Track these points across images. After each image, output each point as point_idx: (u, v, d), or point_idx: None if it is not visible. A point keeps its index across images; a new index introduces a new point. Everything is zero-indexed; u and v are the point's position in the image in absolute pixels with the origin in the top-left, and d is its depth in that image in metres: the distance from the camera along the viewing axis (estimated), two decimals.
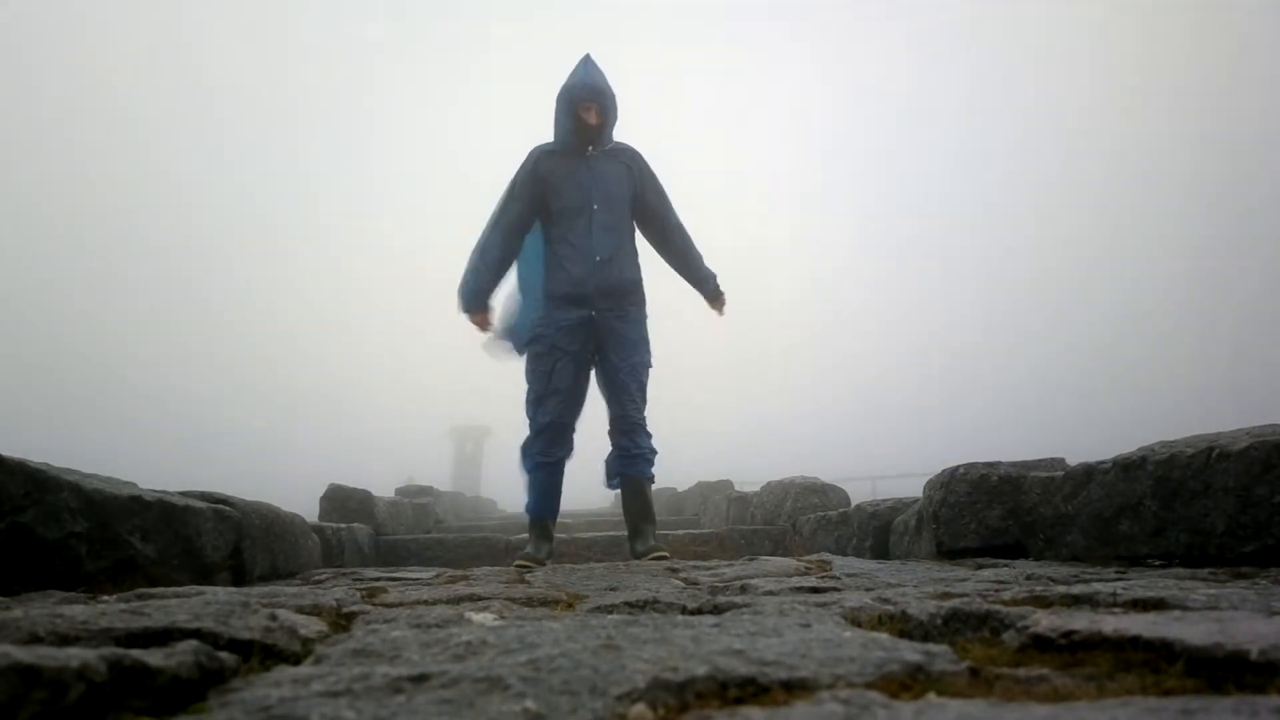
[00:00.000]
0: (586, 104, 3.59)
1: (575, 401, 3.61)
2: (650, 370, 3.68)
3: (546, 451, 3.57)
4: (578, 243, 3.56)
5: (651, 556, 3.45)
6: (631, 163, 3.74)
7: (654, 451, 3.65)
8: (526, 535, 3.73)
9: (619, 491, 3.81)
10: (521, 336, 3.71)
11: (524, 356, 3.68)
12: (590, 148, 3.65)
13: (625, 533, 3.95)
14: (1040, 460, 3.60)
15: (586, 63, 3.66)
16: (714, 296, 3.91)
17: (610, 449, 3.69)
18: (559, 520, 3.89)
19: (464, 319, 3.77)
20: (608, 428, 3.67)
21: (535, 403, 3.56)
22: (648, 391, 3.68)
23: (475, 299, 3.72)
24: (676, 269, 3.88)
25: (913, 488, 4.35)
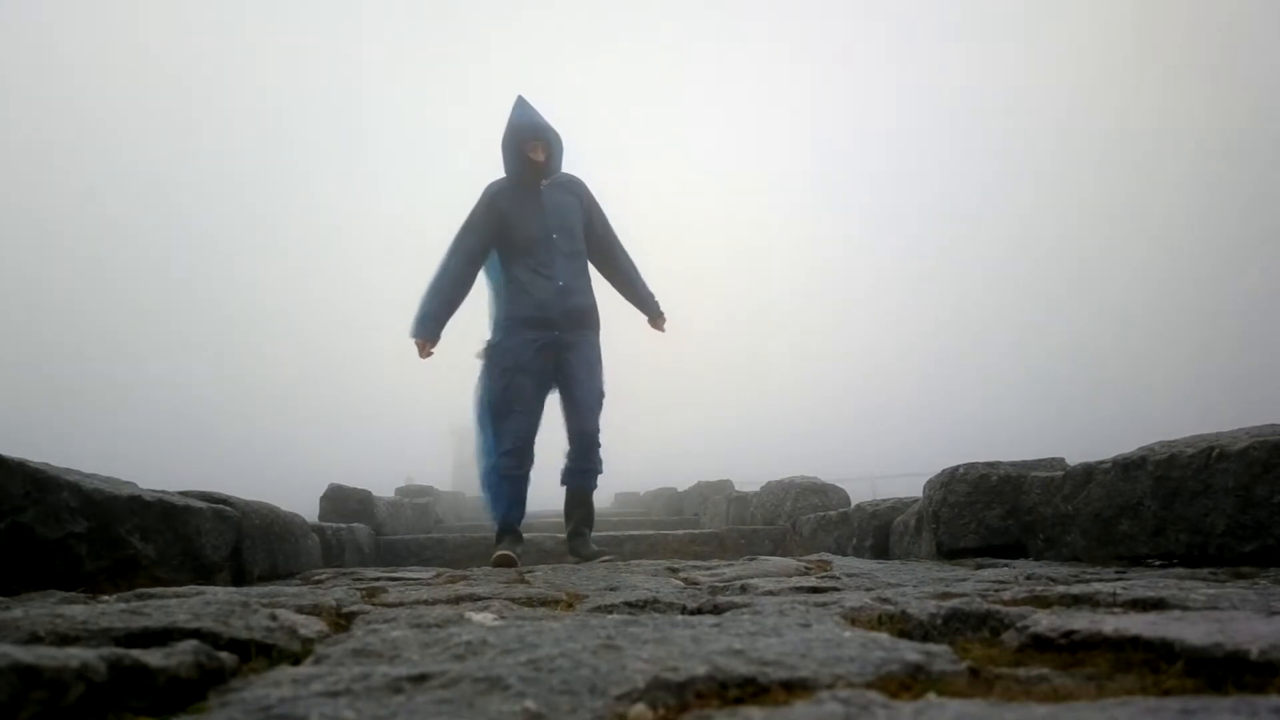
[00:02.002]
0: (533, 143, 3.81)
1: (537, 418, 3.83)
2: (604, 397, 3.91)
3: (516, 467, 3.77)
4: (541, 270, 3.77)
5: (601, 560, 3.58)
6: (580, 193, 3.98)
7: (602, 464, 3.92)
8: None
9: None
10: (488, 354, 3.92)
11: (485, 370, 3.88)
12: (542, 181, 3.88)
13: (625, 533, 4.03)
14: (1040, 460, 3.60)
15: (522, 104, 3.89)
16: (656, 314, 4.15)
17: (569, 454, 3.89)
18: (559, 520, 4.00)
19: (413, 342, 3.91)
20: (566, 436, 3.87)
21: (500, 418, 3.76)
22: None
23: (422, 324, 3.86)
24: (621, 290, 4.13)
25: (913, 488, 4.35)
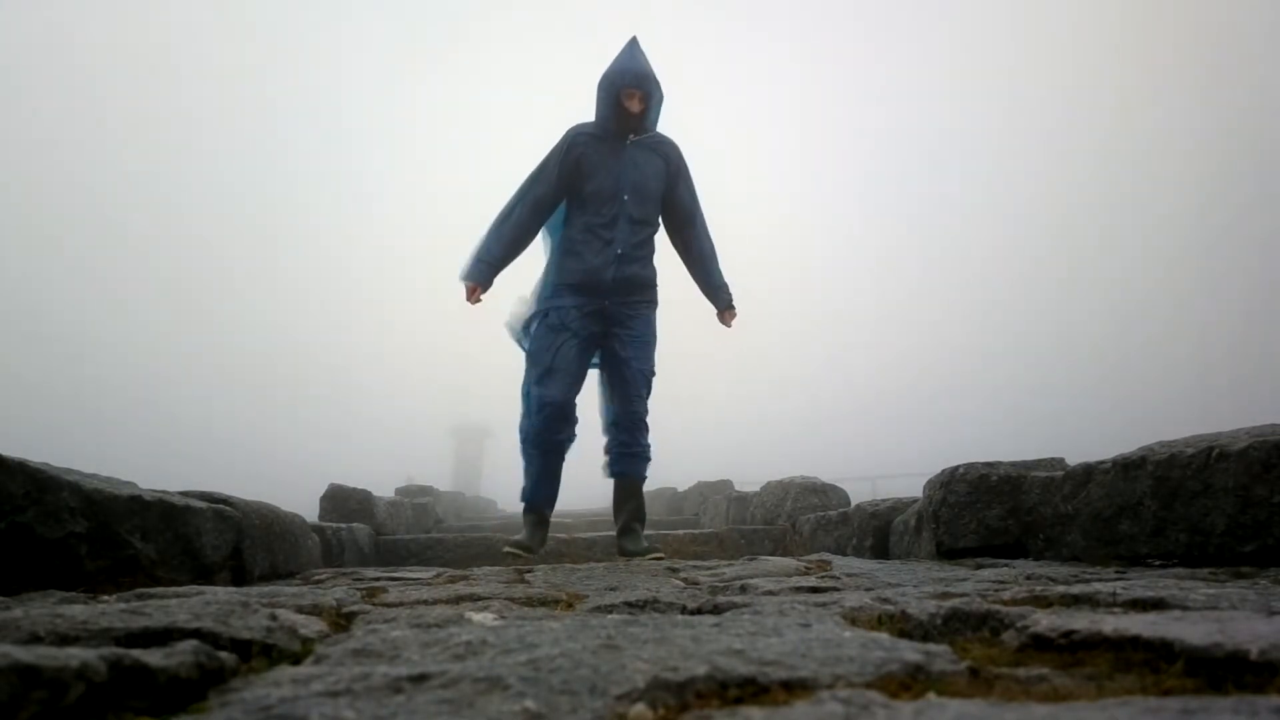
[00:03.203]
0: (630, 90, 3.44)
1: (577, 381, 3.48)
2: (654, 376, 3.59)
3: (548, 432, 3.41)
4: (602, 232, 3.44)
5: (650, 557, 3.39)
6: (669, 156, 3.62)
7: (651, 449, 3.58)
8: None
9: (620, 483, 3.72)
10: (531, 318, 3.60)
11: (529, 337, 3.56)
12: (630, 135, 3.53)
13: None
14: (1040, 460, 3.60)
15: (633, 47, 3.52)
16: (725, 307, 3.82)
17: (610, 440, 3.58)
18: (559, 520, 3.86)
19: (463, 287, 3.57)
20: (605, 420, 3.58)
21: (538, 380, 3.42)
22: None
23: (476, 266, 3.53)
24: (693, 272, 3.79)
25: (913, 488, 4.35)
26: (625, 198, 3.45)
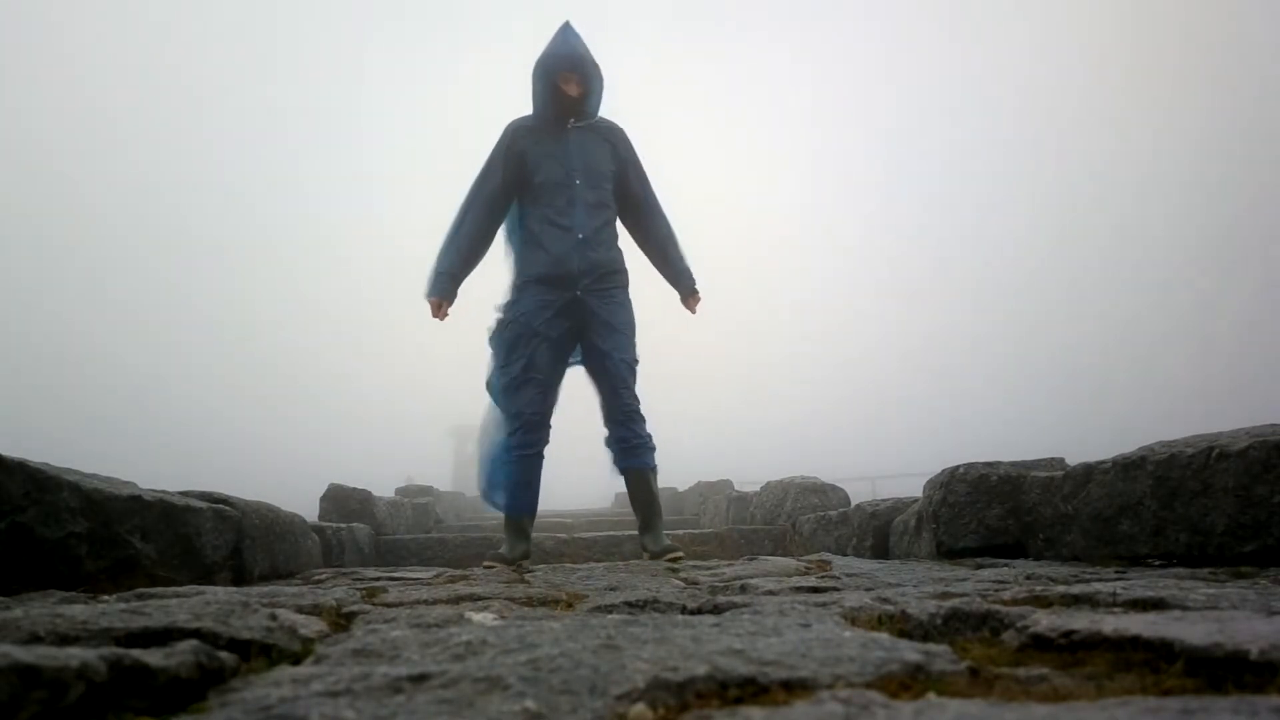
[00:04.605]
0: (566, 74, 3.35)
1: (553, 389, 3.41)
2: (638, 364, 3.48)
3: (525, 443, 3.32)
4: (559, 220, 3.34)
5: (669, 559, 3.29)
6: (615, 141, 3.52)
7: (652, 438, 3.47)
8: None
9: (621, 490, 3.67)
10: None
11: (496, 338, 3.45)
12: (571, 120, 3.43)
13: (625, 533, 3.92)
14: (1040, 460, 3.60)
15: (565, 31, 3.42)
16: (689, 293, 3.69)
17: (609, 437, 3.48)
18: (559, 520, 3.84)
19: (428, 305, 3.48)
20: (602, 417, 3.48)
21: (511, 390, 3.35)
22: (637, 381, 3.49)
23: (438, 281, 3.44)
24: (654, 260, 3.68)
25: (913, 488, 4.35)
26: (577, 182, 3.36)
